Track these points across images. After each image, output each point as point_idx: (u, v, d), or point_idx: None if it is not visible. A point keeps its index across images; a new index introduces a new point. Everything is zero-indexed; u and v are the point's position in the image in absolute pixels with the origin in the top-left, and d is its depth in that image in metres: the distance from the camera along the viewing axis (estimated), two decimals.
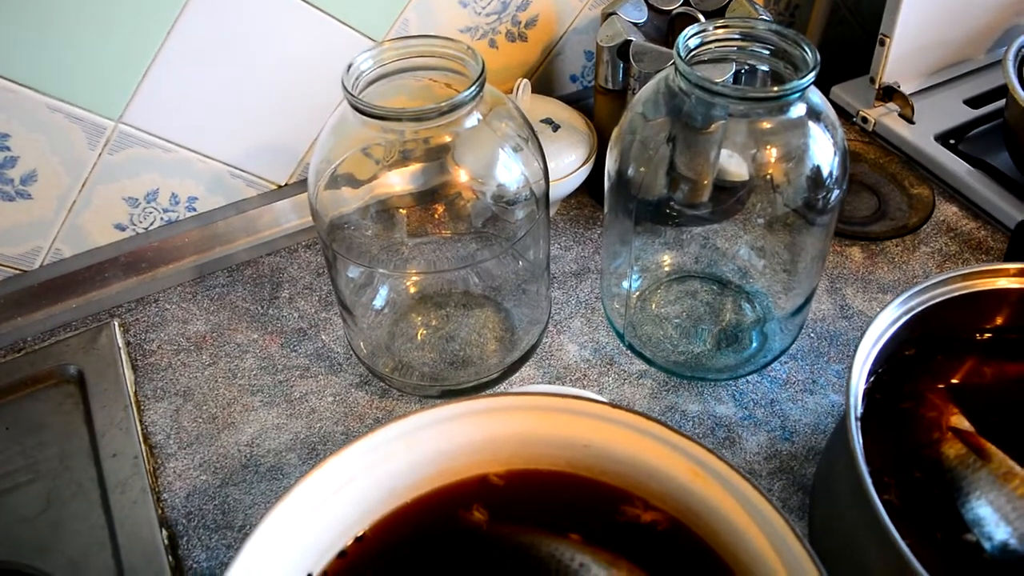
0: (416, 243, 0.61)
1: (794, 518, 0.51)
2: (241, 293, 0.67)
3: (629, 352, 0.59)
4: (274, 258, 0.70)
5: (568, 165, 0.65)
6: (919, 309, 0.49)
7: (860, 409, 0.46)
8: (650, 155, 0.57)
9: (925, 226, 0.69)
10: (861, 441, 0.44)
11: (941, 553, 0.45)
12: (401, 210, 0.60)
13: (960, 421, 0.49)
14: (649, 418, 0.44)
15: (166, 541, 0.55)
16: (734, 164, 0.60)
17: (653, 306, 0.62)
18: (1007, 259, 0.57)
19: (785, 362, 0.59)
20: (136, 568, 0.54)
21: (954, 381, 0.52)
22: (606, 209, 0.59)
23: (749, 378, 0.59)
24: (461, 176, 0.57)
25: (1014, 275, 0.50)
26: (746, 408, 0.57)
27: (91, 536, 0.57)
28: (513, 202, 0.57)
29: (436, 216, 0.60)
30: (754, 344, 0.59)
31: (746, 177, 0.60)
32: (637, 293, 0.62)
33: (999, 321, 0.53)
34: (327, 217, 0.55)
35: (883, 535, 0.41)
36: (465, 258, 0.62)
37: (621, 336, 0.59)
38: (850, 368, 0.45)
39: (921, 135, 0.76)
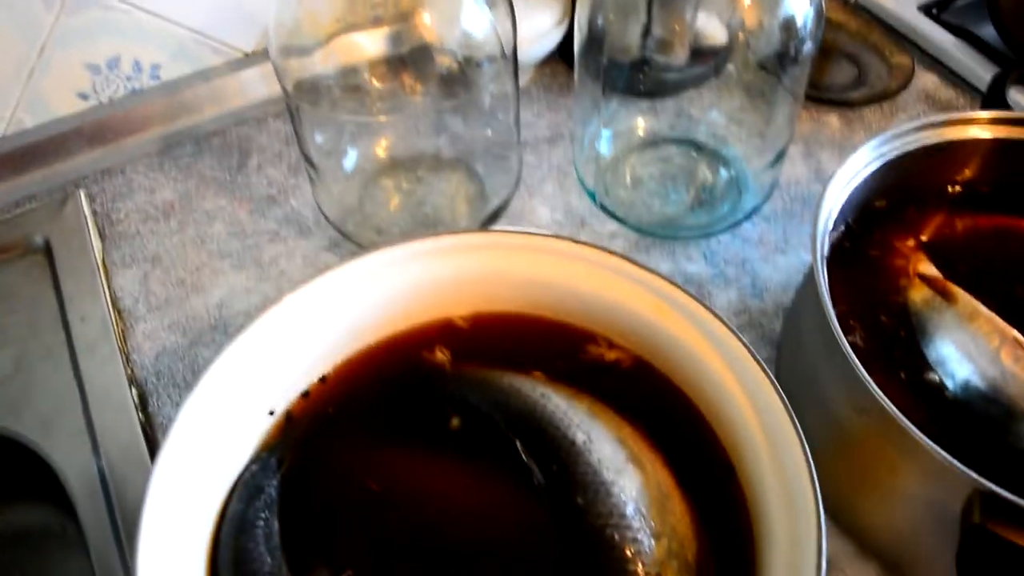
0: (385, 105, 0.60)
1: None
2: (209, 162, 0.66)
3: (602, 213, 0.59)
4: (242, 128, 0.68)
5: (541, 25, 0.64)
6: (891, 156, 0.49)
7: (827, 247, 0.46)
8: (623, 6, 0.55)
9: (904, 94, 0.67)
10: (827, 278, 0.43)
11: (905, 393, 0.45)
12: (370, 75, 0.58)
13: (928, 268, 0.49)
14: (612, 253, 0.43)
15: (136, 399, 0.55)
16: (712, 27, 0.59)
17: (627, 169, 0.61)
18: (985, 106, 0.56)
19: (758, 223, 0.59)
20: (107, 426, 0.54)
21: (924, 232, 0.51)
22: (576, 68, 0.57)
23: (721, 238, 0.58)
24: (430, 34, 0.55)
25: (987, 123, 0.49)
26: (717, 267, 0.57)
27: (62, 397, 0.57)
28: (482, 60, 0.56)
29: (405, 78, 0.59)
30: (726, 203, 0.58)
31: (723, 41, 0.59)
32: (610, 156, 0.61)
33: (970, 173, 0.52)
34: (291, 76, 0.53)
35: (847, 371, 0.41)
36: (435, 121, 0.61)
37: (593, 196, 0.58)
38: (819, 202, 0.45)
39: (904, 4, 0.74)
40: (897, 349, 0.46)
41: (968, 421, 0.44)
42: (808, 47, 0.51)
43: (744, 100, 0.59)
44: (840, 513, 0.48)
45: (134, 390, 0.55)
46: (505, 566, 0.38)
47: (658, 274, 0.42)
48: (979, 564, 0.38)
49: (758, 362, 0.39)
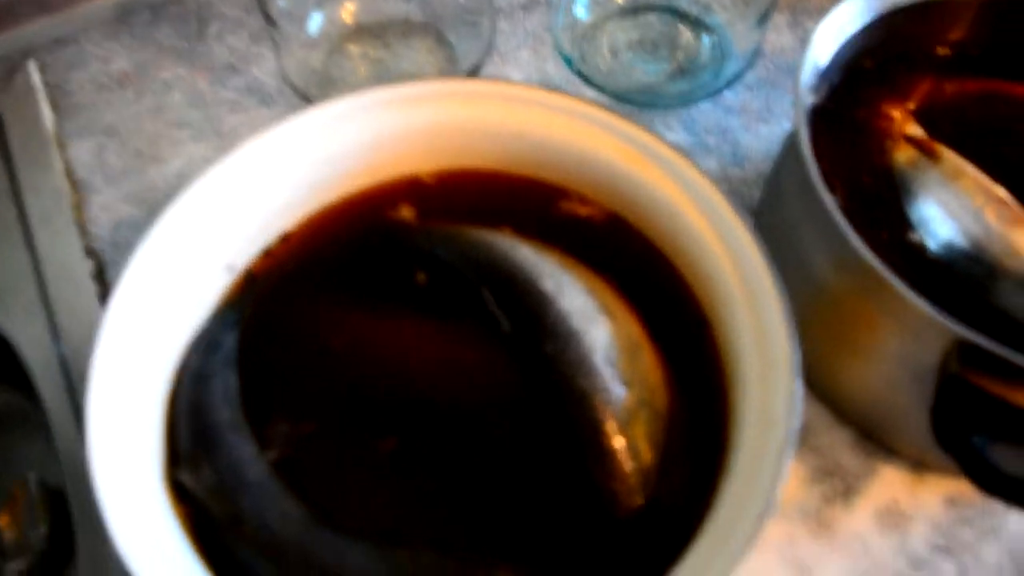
0: None
1: None
2: (166, 31, 0.62)
3: (579, 81, 0.56)
4: None
5: None
6: (878, 13, 0.46)
7: (810, 99, 0.44)
8: None
9: None
10: (809, 135, 0.42)
11: (886, 253, 0.43)
12: None
13: (914, 129, 0.47)
14: (586, 102, 0.41)
15: (92, 270, 0.53)
16: None
17: (606, 37, 0.58)
18: None
19: (740, 91, 0.57)
20: (63, 297, 0.53)
21: (912, 94, 0.49)
22: None
23: (702, 107, 0.56)
24: None
25: None
26: (697, 136, 0.55)
27: (15, 271, 0.54)
28: None
29: None
30: (708, 71, 0.56)
31: None
32: (589, 23, 0.58)
33: (961, 34, 0.50)
34: None
35: (827, 226, 0.40)
36: None
37: (569, 62, 0.55)
38: (804, 49, 0.43)
39: None
40: (879, 210, 0.45)
41: (950, 280, 0.42)
42: None
43: None
44: (817, 380, 0.47)
45: (91, 261, 0.53)
46: (471, 417, 0.37)
47: (634, 123, 0.40)
48: (955, 414, 0.37)
49: (736, 212, 0.38)
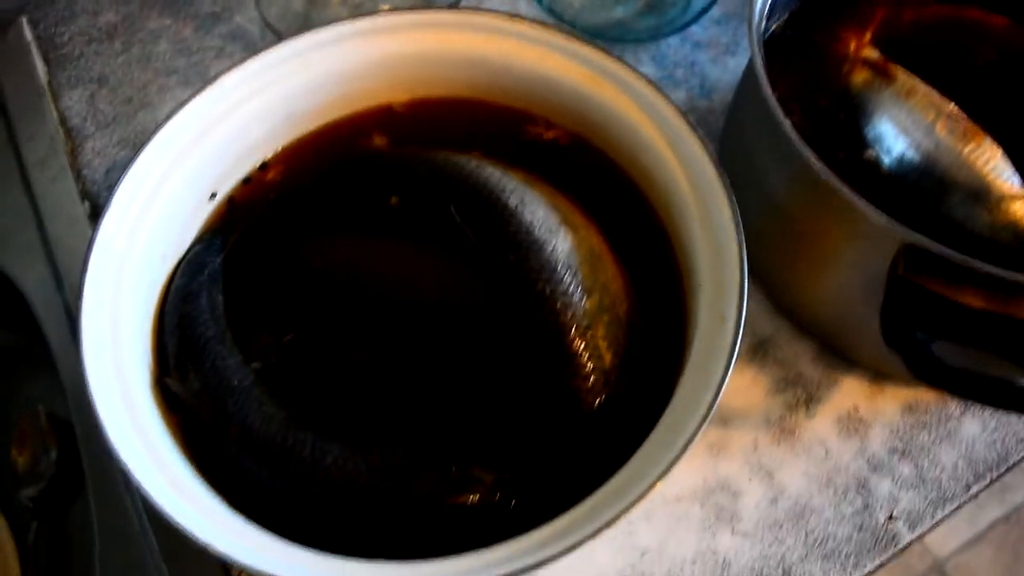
0: None
1: None
2: None
3: (550, 17, 0.58)
4: None
5: None
6: None
7: (767, 30, 0.46)
8: None
9: None
10: (764, 59, 0.43)
11: (843, 171, 0.45)
12: None
13: (871, 52, 0.48)
14: (548, 27, 0.43)
15: (88, 211, 0.55)
16: None
17: None
18: None
19: (708, 26, 0.58)
20: (61, 237, 0.55)
21: (870, 20, 0.50)
22: None
23: (671, 42, 0.58)
24: None
25: None
26: (666, 69, 0.57)
27: (15, 212, 0.57)
28: None
29: None
30: (676, 6, 0.58)
31: None
32: None
33: None
34: None
35: (783, 143, 0.41)
36: None
37: (542, 5, 0.57)
38: None
39: None
40: (836, 130, 0.46)
41: (903, 194, 0.44)
42: None
43: None
44: (780, 295, 0.49)
45: (87, 203, 0.55)
46: (442, 326, 0.39)
47: (596, 47, 0.42)
48: (901, 313, 0.39)
49: (689, 126, 0.40)
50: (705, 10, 0.57)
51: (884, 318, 0.40)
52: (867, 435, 0.46)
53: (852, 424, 0.47)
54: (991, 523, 1.11)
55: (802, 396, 0.47)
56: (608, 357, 0.38)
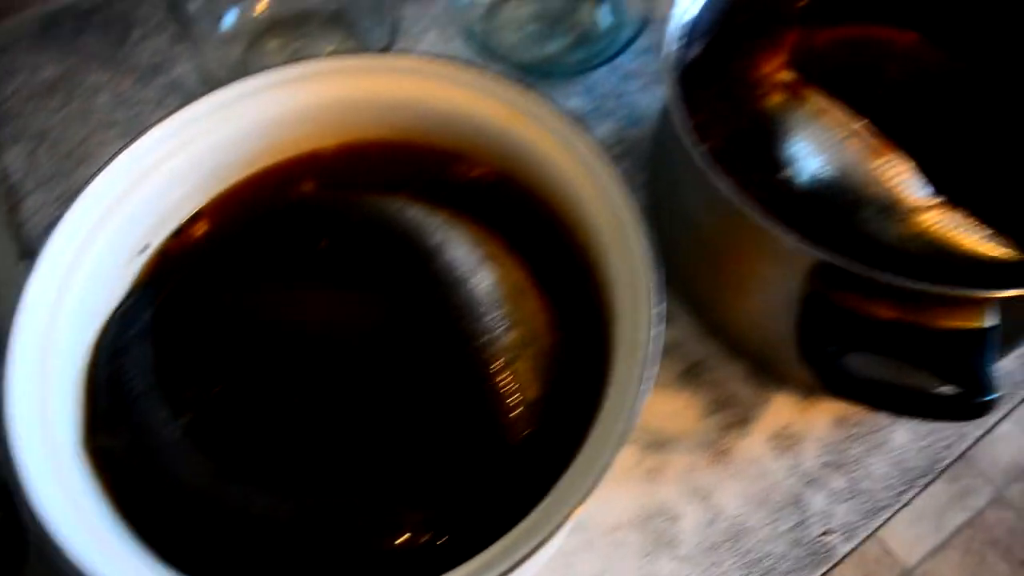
0: None
1: (639, 193, 0.52)
2: (91, 38, 0.65)
3: (483, 55, 0.59)
4: (122, 2, 0.67)
5: None
6: None
7: (683, 57, 0.47)
8: None
9: None
10: (680, 88, 0.44)
11: (759, 191, 0.47)
12: None
13: (785, 75, 0.50)
14: (466, 66, 0.44)
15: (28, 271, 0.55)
16: None
17: (507, 13, 0.61)
18: None
19: (636, 55, 0.60)
20: (1, 299, 0.55)
21: (785, 44, 0.52)
22: None
23: (601, 73, 0.59)
24: None
25: None
26: (597, 100, 0.58)
27: None
28: None
29: None
30: (605, 38, 0.59)
31: None
32: (491, 1, 0.61)
33: None
34: None
35: (697, 171, 0.42)
36: None
37: (473, 40, 0.58)
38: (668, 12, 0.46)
39: None
40: (753, 152, 0.48)
41: (819, 211, 0.46)
42: None
43: None
44: (708, 317, 0.50)
45: (26, 262, 0.55)
46: (369, 369, 0.40)
47: (513, 83, 0.43)
48: (815, 329, 0.40)
49: (604, 160, 0.41)
50: (632, 40, 0.58)
51: (799, 334, 0.41)
52: (800, 451, 0.47)
53: (785, 441, 0.48)
54: (956, 528, 1.12)
55: (735, 417, 0.48)
56: (532, 391, 0.38)
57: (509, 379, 0.38)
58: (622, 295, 0.39)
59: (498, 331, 0.39)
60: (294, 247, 0.44)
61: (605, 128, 0.57)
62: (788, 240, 0.40)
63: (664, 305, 0.37)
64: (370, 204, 0.43)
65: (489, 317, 0.39)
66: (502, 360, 0.38)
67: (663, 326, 0.36)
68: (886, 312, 0.39)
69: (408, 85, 0.45)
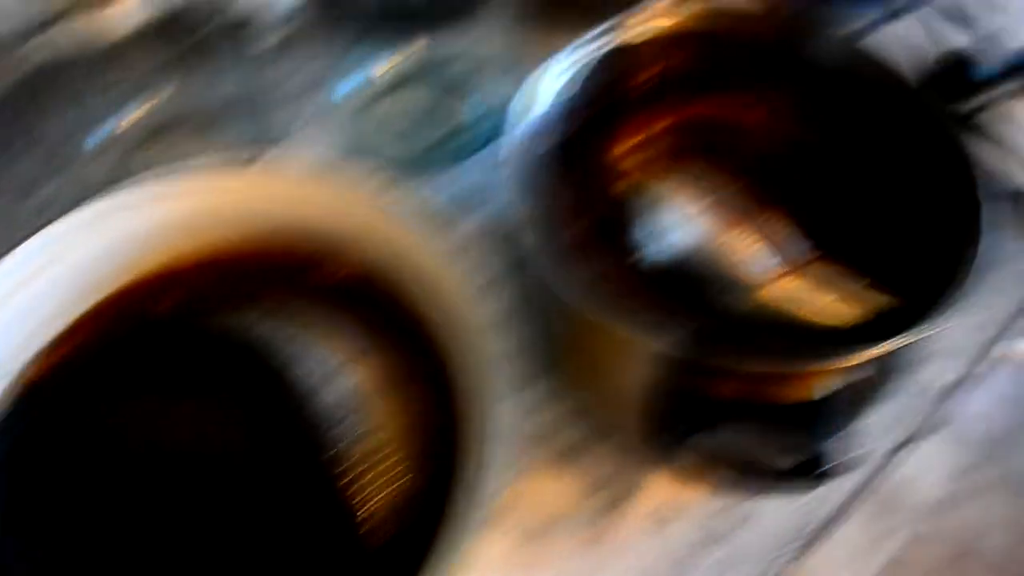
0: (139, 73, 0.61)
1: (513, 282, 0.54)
2: None
3: (359, 154, 0.60)
4: None
5: None
6: (587, 61, 0.52)
7: (539, 151, 0.48)
8: None
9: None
10: (523, 180, 0.46)
11: (624, 274, 0.48)
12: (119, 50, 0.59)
13: (642, 157, 0.52)
14: (313, 177, 0.45)
15: None
16: None
17: (379, 111, 0.63)
18: None
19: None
20: None
21: (635, 127, 0.54)
22: (318, 16, 0.59)
23: (471, 165, 0.61)
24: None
25: (663, 14, 0.53)
26: (467, 192, 0.60)
27: None
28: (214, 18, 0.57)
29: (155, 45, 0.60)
30: (473, 129, 0.61)
31: None
32: (362, 99, 0.63)
33: (673, 65, 0.55)
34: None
35: (545, 269, 0.44)
36: (191, 83, 0.61)
37: (345, 134, 0.60)
38: (510, 110, 0.48)
39: None
40: (612, 238, 0.49)
41: (676, 289, 0.47)
42: None
43: (483, 25, 0.61)
44: (584, 399, 0.51)
45: None
46: (229, 482, 0.40)
47: (367, 185, 0.44)
48: (667, 415, 0.41)
49: (449, 263, 0.42)
50: (499, 132, 0.60)
51: (652, 420, 0.42)
52: (676, 528, 0.48)
53: (661, 519, 0.48)
54: (877, 571, 1.13)
55: (612, 497, 0.49)
56: (389, 496, 0.39)
57: (364, 488, 0.39)
58: (475, 394, 0.40)
59: (351, 440, 0.39)
60: (153, 368, 0.44)
61: (476, 219, 0.58)
62: (627, 331, 0.41)
63: (518, 407, 0.38)
64: (223, 320, 0.43)
65: (342, 427, 0.39)
66: (356, 469, 0.39)
67: (521, 418, 0.37)
68: (728, 391, 0.40)
69: (266, 194, 0.46)
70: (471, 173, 0.61)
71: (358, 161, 0.61)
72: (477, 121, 0.62)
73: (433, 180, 0.60)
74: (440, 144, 0.61)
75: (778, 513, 0.49)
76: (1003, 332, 0.65)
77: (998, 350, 0.78)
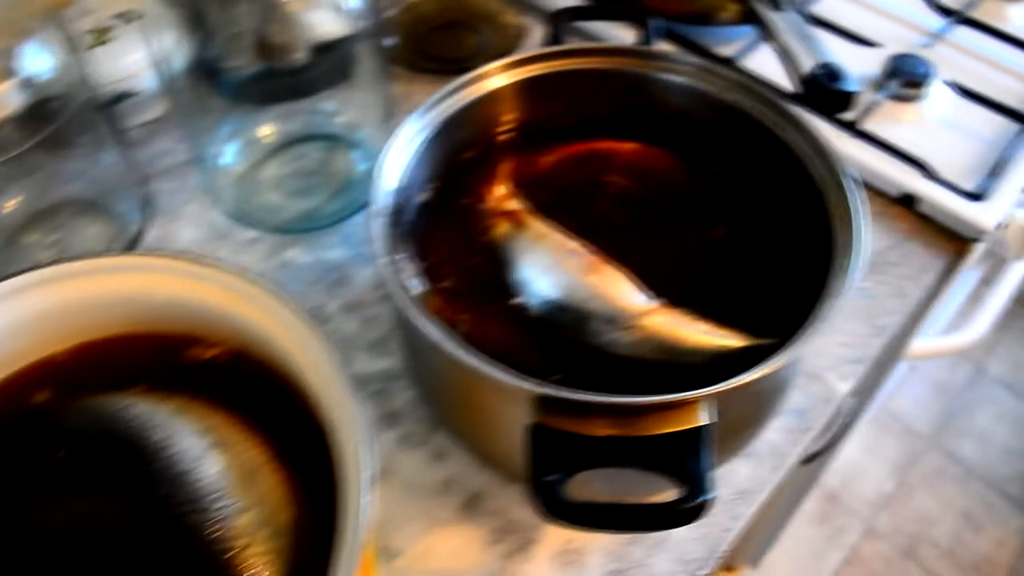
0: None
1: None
2: None
3: (242, 222, 0.60)
4: None
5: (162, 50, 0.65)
6: (445, 117, 0.52)
7: (390, 204, 0.49)
8: (226, 22, 0.57)
9: (517, 49, 0.72)
10: (389, 242, 0.46)
11: (497, 322, 0.49)
12: None
13: (511, 203, 0.52)
14: (174, 256, 0.45)
15: None
16: (323, 20, 0.61)
17: (263, 175, 0.62)
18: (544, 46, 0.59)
19: None
20: None
21: (510, 173, 0.55)
22: (189, 89, 0.59)
23: (358, 219, 0.61)
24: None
25: (502, 71, 0.53)
26: (356, 247, 0.60)
27: None
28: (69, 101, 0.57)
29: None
30: (360, 185, 0.61)
31: (342, 32, 0.61)
32: (244, 166, 0.62)
33: (529, 112, 0.56)
34: None
35: (413, 322, 0.44)
36: (61, 168, 0.61)
37: (230, 202, 0.60)
38: (377, 170, 0.48)
39: None
40: (487, 285, 0.50)
41: (554, 332, 0.47)
42: (367, 25, 0.54)
43: (357, 83, 0.62)
44: (479, 449, 0.51)
45: None
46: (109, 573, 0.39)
47: (218, 265, 0.44)
48: (542, 458, 0.41)
49: (312, 329, 0.42)
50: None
51: (530, 467, 0.41)
52: (584, 563, 0.48)
53: (569, 556, 0.48)
54: (834, 571, 1.14)
55: (519, 541, 0.49)
56: (271, 570, 0.38)
57: (244, 564, 0.38)
58: (343, 460, 0.40)
59: (228, 518, 0.39)
60: (33, 459, 0.43)
61: (366, 275, 0.58)
62: (500, 378, 0.41)
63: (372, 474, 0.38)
64: (97, 407, 0.43)
65: (218, 506, 0.39)
66: (234, 547, 0.38)
67: (370, 497, 0.37)
68: (604, 429, 0.41)
69: (134, 280, 0.46)
70: (360, 228, 0.61)
71: (243, 227, 0.61)
72: (361, 177, 0.62)
73: (323, 238, 0.60)
74: (328, 202, 0.61)
75: (689, 536, 0.49)
76: (904, 331, 0.66)
77: (906, 349, 0.80)
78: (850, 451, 1.30)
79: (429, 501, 0.50)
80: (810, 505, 1.24)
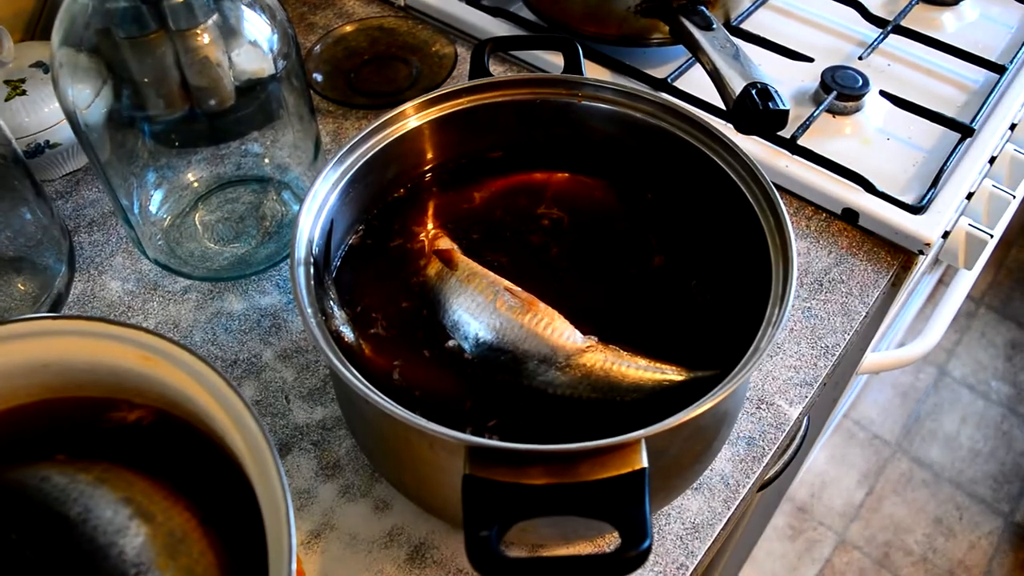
0: None
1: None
2: None
3: (173, 270, 0.58)
4: None
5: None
6: (368, 157, 0.50)
7: (314, 252, 0.47)
8: (148, 69, 0.55)
9: (450, 80, 0.71)
10: (307, 290, 0.44)
11: (431, 367, 0.47)
12: None
13: (442, 243, 0.51)
14: (88, 318, 0.43)
15: None
16: (242, 61, 0.59)
17: (192, 222, 0.61)
18: (470, 78, 0.58)
19: None
20: None
21: (440, 211, 0.54)
22: (106, 140, 0.57)
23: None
24: None
25: (425, 107, 0.52)
26: (289, 293, 0.58)
27: None
28: None
29: None
30: (291, 226, 0.60)
31: (268, 71, 0.60)
32: (172, 214, 0.61)
33: (453, 151, 0.55)
34: None
35: (340, 377, 0.42)
36: None
37: (160, 251, 0.58)
38: (296, 219, 0.46)
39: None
40: (420, 329, 0.48)
41: (490, 373, 0.46)
42: (283, 64, 0.53)
43: (284, 123, 0.60)
44: (423, 500, 0.49)
45: None
46: None
47: (134, 326, 0.42)
48: (477, 510, 0.40)
49: (231, 387, 0.40)
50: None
51: (466, 517, 0.40)
52: None
53: None
54: None
55: None
56: None
57: None
58: (271, 521, 0.38)
59: None
60: None
61: (300, 321, 0.56)
62: (427, 429, 0.39)
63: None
64: (13, 480, 0.41)
65: None
66: None
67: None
68: (540, 477, 0.39)
69: (49, 344, 0.44)
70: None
71: (174, 277, 0.59)
72: (293, 219, 0.60)
73: (257, 283, 0.59)
74: (260, 246, 0.59)
75: (648, 573, 0.47)
76: (855, 348, 0.65)
77: (860, 365, 0.79)
78: (817, 462, 1.29)
79: (373, 555, 0.48)
80: (780, 520, 1.23)
